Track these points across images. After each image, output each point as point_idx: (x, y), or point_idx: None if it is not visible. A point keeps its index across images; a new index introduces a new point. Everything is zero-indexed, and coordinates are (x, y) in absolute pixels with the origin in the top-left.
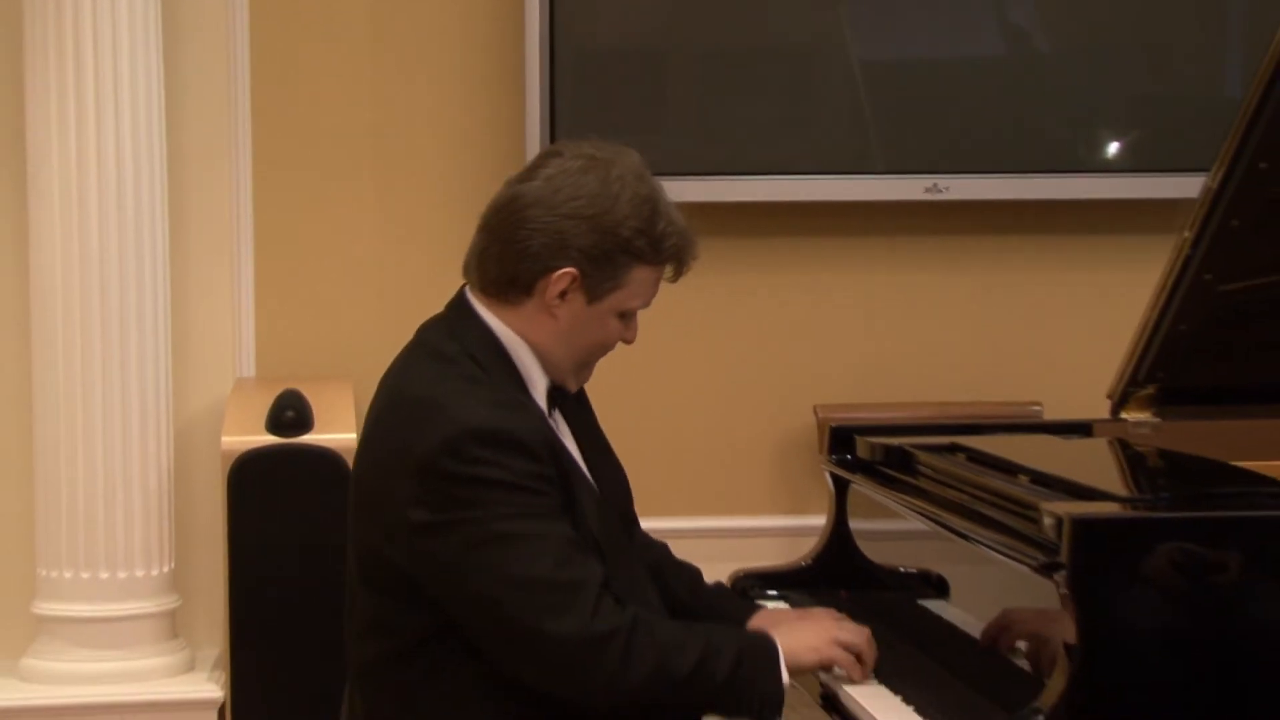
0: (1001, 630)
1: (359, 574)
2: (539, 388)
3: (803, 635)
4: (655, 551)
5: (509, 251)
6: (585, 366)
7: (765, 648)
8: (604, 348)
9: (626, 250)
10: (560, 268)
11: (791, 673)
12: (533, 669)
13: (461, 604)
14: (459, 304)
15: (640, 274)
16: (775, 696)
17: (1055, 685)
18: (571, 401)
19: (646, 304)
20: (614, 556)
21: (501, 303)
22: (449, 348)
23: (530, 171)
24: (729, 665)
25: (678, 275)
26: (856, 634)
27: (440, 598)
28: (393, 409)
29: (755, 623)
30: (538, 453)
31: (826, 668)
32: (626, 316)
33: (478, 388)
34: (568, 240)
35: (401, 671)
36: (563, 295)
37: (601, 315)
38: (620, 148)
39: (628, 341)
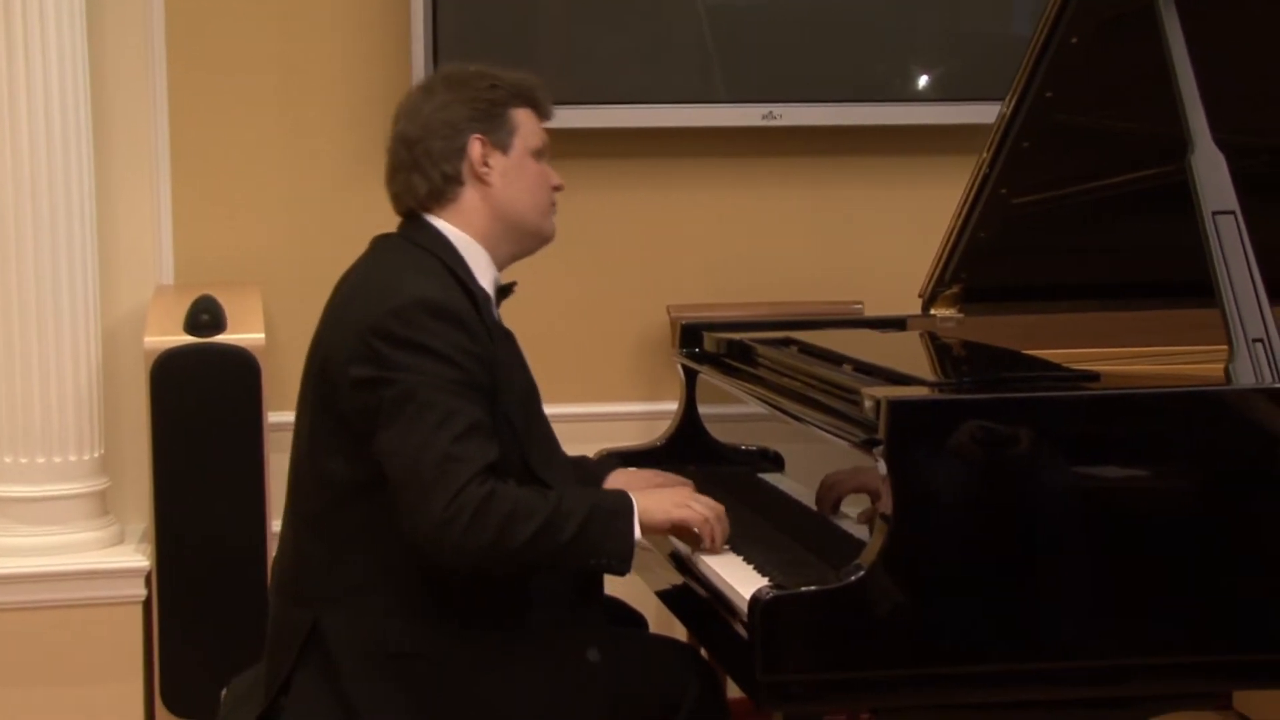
0: (826, 491)
1: (314, 438)
2: (487, 281)
3: (659, 498)
4: None
5: (421, 165)
6: (547, 213)
7: (618, 507)
8: (544, 186)
9: (494, 100)
10: (466, 142)
11: (645, 530)
12: (405, 526)
13: (379, 452)
14: (412, 218)
15: (520, 115)
16: (623, 551)
17: (874, 544)
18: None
19: (545, 145)
20: (535, 440)
21: (445, 207)
22: (411, 250)
23: (394, 121)
24: (575, 526)
25: (545, 114)
26: (710, 505)
27: (370, 449)
28: (356, 293)
29: (614, 480)
30: (474, 330)
31: (679, 533)
32: (540, 156)
33: (432, 275)
34: (457, 123)
35: (338, 521)
36: (485, 163)
37: (520, 160)
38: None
39: (558, 188)
